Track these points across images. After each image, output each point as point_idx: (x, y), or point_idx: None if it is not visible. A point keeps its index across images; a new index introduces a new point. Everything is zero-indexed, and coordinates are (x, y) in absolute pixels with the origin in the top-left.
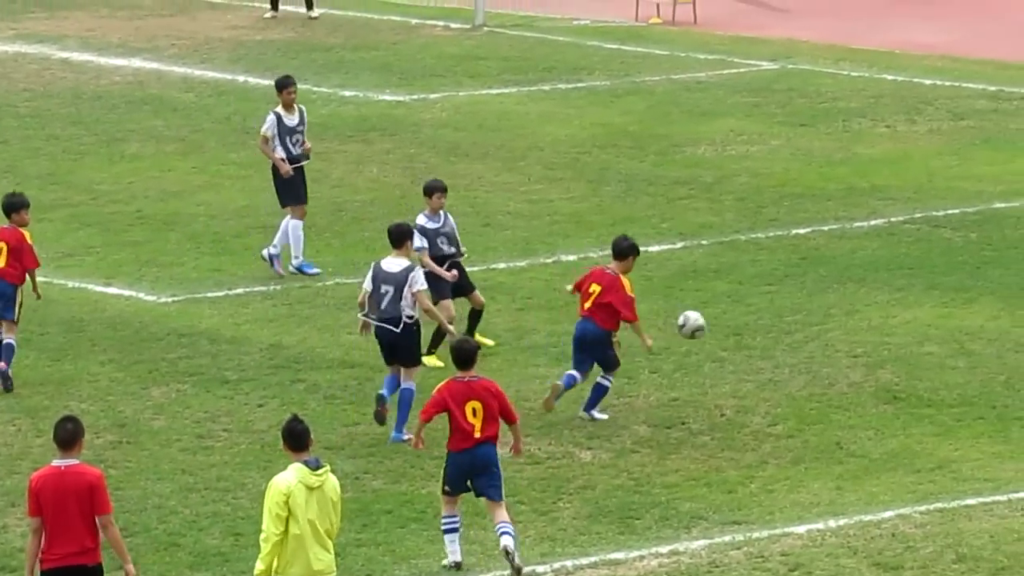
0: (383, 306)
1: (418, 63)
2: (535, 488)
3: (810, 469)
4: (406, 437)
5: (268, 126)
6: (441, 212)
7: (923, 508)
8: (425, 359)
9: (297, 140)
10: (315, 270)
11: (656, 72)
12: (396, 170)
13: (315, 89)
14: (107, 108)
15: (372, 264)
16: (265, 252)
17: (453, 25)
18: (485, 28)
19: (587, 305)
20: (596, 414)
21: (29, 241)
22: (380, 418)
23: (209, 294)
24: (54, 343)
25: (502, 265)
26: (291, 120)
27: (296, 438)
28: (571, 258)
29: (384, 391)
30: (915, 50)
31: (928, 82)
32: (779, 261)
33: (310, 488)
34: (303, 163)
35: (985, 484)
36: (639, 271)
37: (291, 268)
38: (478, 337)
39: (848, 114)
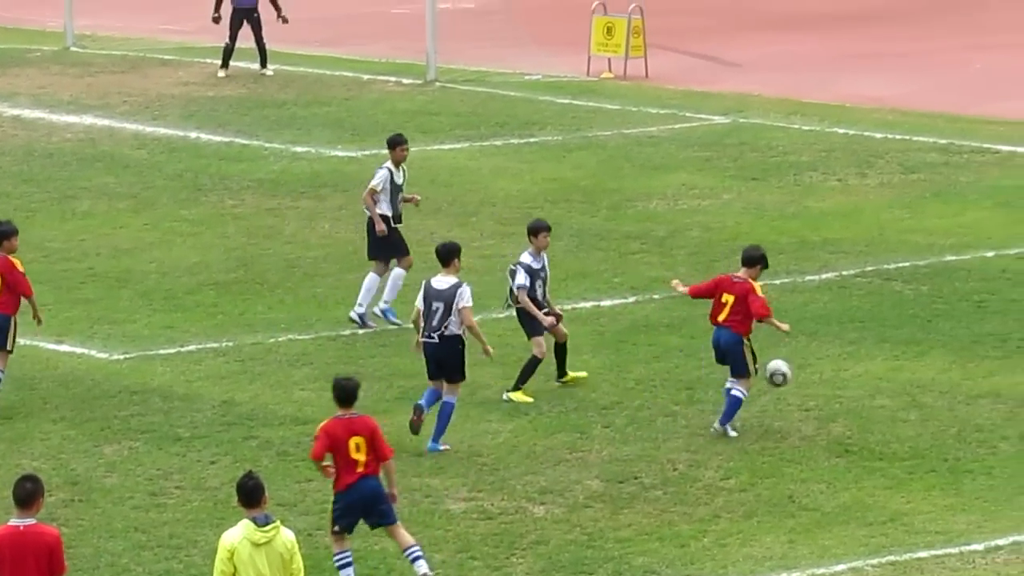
0: (434, 323)
1: (370, 119)
2: (488, 544)
3: (763, 523)
4: (443, 447)
5: (380, 181)
6: (543, 253)
7: (875, 561)
8: (512, 395)
9: (401, 198)
10: (397, 321)
11: (608, 127)
12: (348, 226)
13: (267, 145)
14: (59, 165)
15: (423, 283)
16: (376, 310)
17: (405, 81)
18: (437, 83)
19: (722, 317)
20: (730, 431)
21: (20, 268)
22: (415, 428)
23: (161, 351)
24: (6, 401)
25: None
26: (399, 178)
27: (248, 494)
28: None
29: (423, 401)
30: (865, 103)
31: (879, 135)
32: None
33: (256, 544)
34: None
35: (937, 537)
36: (591, 325)
37: (376, 311)
38: (571, 373)
39: (799, 168)
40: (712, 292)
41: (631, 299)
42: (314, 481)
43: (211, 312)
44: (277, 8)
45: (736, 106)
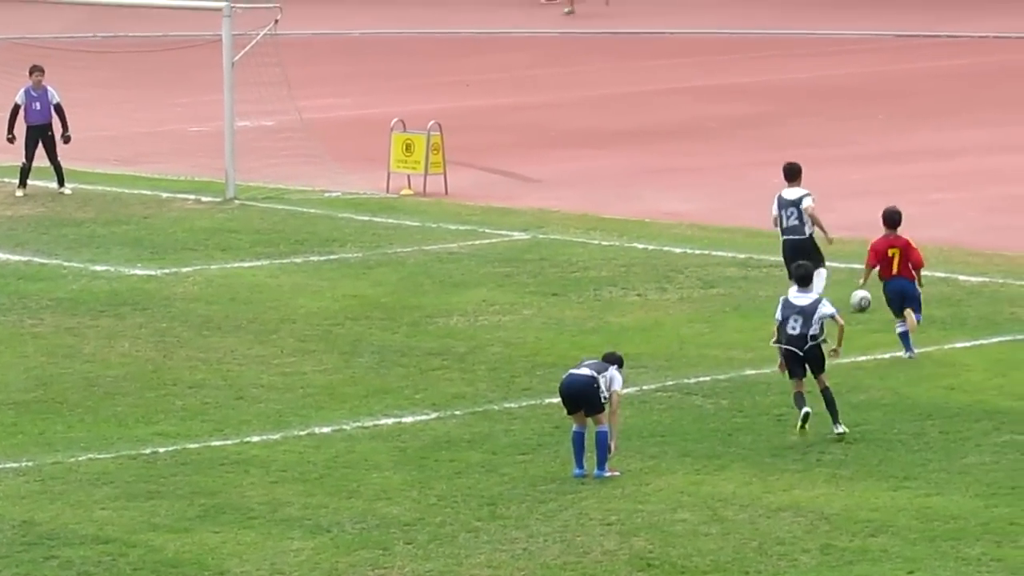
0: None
1: (169, 237)
2: None
3: None
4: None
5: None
6: None
7: None
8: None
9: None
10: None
11: (408, 243)
12: (148, 344)
13: (66, 264)
14: None
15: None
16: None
17: (204, 198)
18: (236, 201)
19: (895, 268)
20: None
21: None
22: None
23: None
24: None
25: (256, 438)
26: (790, 194)
27: None
28: (325, 430)
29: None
30: (664, 219)
31: (678, 250)
32: (532, 430)
33: None
34: None
35: None
36: (392, 442)
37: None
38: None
39: (599, 283)
40: (879, 258)
41: (432, 415)
42: None
43: (10, 432)
44: (64, 126)
45: (536, 222)
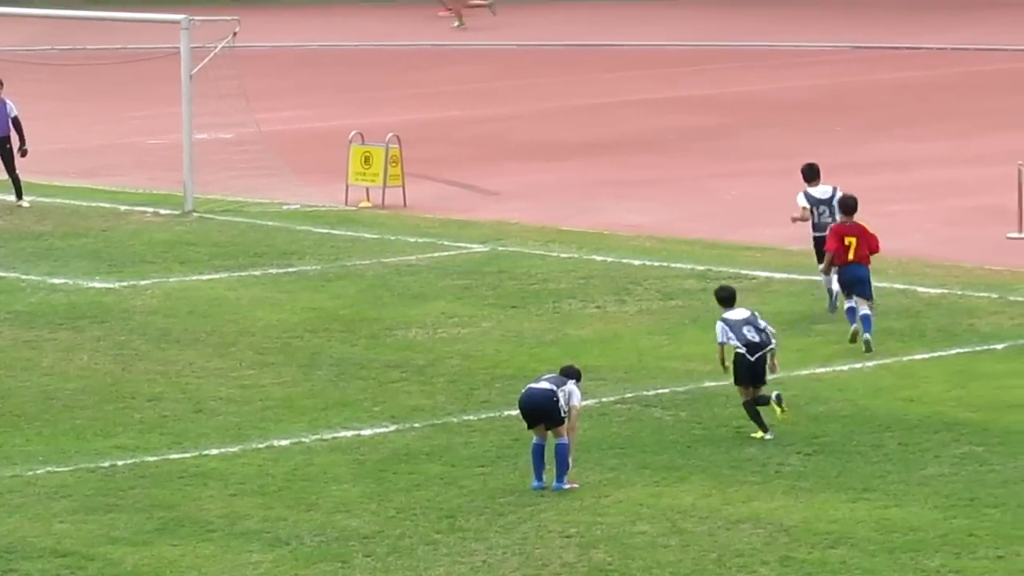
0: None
1: (128, 249)
2: None
3: None
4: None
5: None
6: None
7: None
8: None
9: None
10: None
11: (366, 256)
12: (107, 357)
13: (24, 277)
14: None
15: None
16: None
17: (163, 211)
18: (195, 214)
19: (851, 256)
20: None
21: None
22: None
23: None
24: None
25: (214, 451)
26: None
27: None
28: (284, 443)
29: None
30: (623, 231)
31: (637, 262)
32: (491, 443)
33: None
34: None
35: None
36: (351, 455)
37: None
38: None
39: (558, 295)
40: (838, 245)
41: (391, 427)
42: None
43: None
44: (21, 139)
45: (494, 234)
